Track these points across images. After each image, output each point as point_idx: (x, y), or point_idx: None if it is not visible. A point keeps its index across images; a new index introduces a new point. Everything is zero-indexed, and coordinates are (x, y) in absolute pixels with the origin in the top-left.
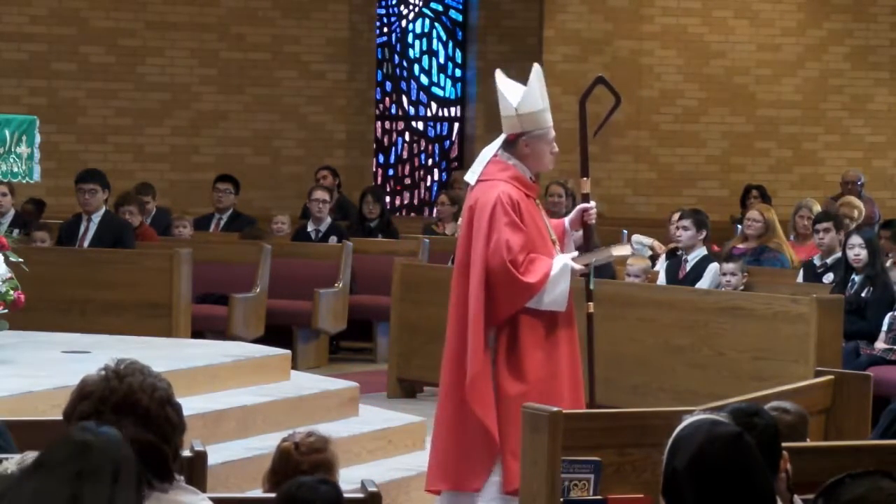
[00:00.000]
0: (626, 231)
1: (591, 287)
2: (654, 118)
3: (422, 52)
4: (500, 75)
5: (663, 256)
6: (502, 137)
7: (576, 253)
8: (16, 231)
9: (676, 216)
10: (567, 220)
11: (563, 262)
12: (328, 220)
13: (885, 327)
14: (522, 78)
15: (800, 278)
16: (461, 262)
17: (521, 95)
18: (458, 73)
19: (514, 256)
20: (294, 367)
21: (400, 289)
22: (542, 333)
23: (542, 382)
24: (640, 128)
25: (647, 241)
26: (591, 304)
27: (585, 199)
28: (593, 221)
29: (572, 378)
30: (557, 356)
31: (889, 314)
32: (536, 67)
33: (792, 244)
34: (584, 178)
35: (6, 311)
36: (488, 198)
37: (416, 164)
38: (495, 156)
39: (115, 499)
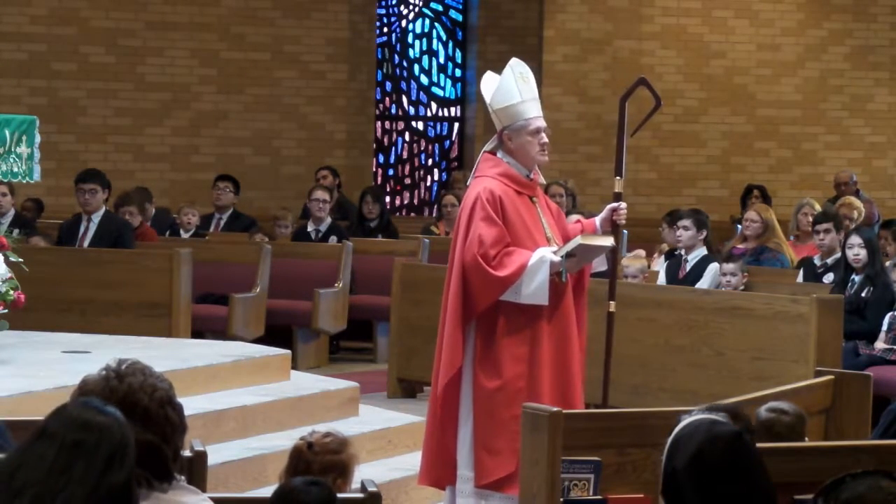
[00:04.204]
0: (625, 231)
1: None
2: (654, 118)
3: (422, 52)
4: (485, 77)
5: (662, 257)
6: (495, 136)
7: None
8: (16, 231)
9: (665, 223)
10: (598, 219)
11: (540, 255)
12: (328, 220)
13: (884, 327)
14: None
15: (800, 278)
16: (450, 262)
17: (493, 91)
18: (458, 73)
19: (485, 251)
20: (294, 367)
21: (400, 289)
22: (521, 329)
23: (520, 379)
24: (642, 128)
25: (642, 253)
26: (612, 303)
27: (617, 198)
28: (623, 221)
29: (559, 375)
30: (539, 352)
31: (889, 314)
32: (513, 61)
33: (792, 244)
34: (618, 178)
35: (6, 311)
36: (471, 196)
37: (416, 164)
38: (490, 153)
39: (103, 481)
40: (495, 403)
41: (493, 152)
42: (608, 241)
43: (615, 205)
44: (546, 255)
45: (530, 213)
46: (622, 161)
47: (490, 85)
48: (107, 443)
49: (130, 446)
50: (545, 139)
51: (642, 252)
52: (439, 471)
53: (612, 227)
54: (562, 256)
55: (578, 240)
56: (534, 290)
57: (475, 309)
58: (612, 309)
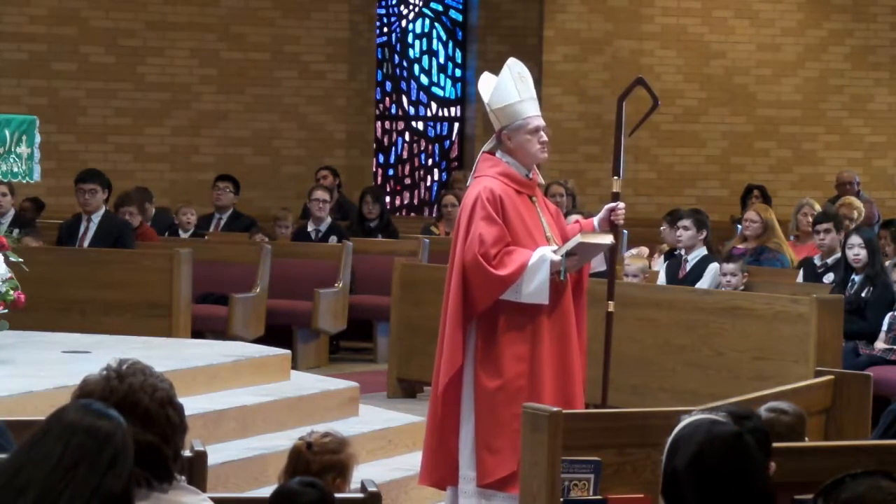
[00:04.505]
0: (626, 231)
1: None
2: (654, 118)
3: (422, 52)
4: (482, 78)
5: (661, 257)
6: (493, 136)
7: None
8: (16, 231)
9: (665, 223)
10: (596, 220)
11: (541, 254)
12: (328, 220)
13: (884, 327)
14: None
15: (800, 278)
16: (451, 261)
17: (491, 91)
18: (458, 73)
19: (485, 250)
20: (294, 367)
21: (400, 289)
22: (522, 328)
23: (521, 378)
24: (640, 128)
25: (645, 251)
26: (611, 302)
27: (615, 198)
28: (622, 222)
29: (560, 375)
30: (540, 351)
31: (889, 314)
32: (510, 61)
33: (792, 244)
34: (616, 178)
35: (6, 311)
36: (472, 195)
37: (416, 164)
38: (489, 153)
39: (104, 483)
40: (496, 403)
41: (491, 152)
42: (608, 239)
43: (613, 205)
44: (546, 254)
45: (530, 213)
46: (620, 161)
47: (488, 85)
48: (111, 447)
49: (131, 451)
50: (545, 138)
51: (645, 250)
52: (440, 471)
53: (611, 228)
54: (562, 255)
55: (578, 238)
56: (534, 289)
57: (476, 308)
58: (610, 309)
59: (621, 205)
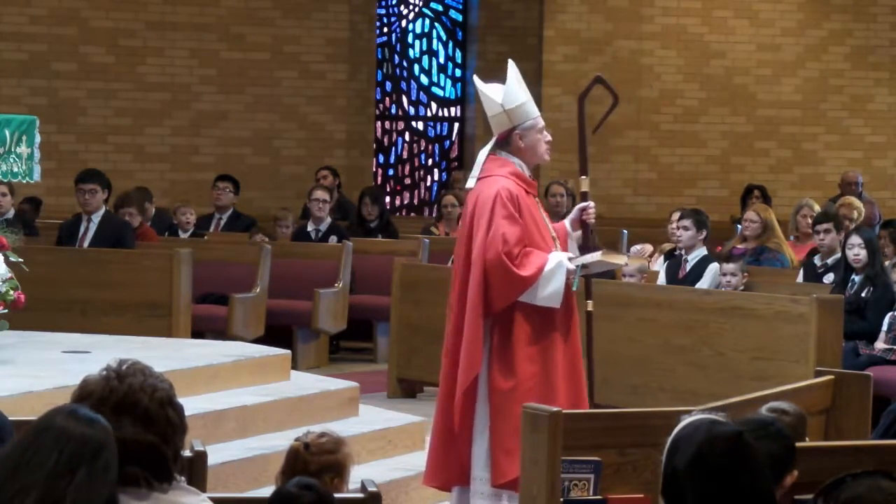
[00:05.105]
0: (625, 231)
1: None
2: (654, 118)
3: (422, 52)
4: (478, 81)
5: (661, 257)
6: (494, 139)
7: (572, 254)
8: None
9: (676, 216)
10: (567, 220)
11: (557, 259)
12: (328, 220)
13: (884, 327)
14: (524, 78)
15: (800, 278)
16: (460, 259)
17: (503, 91)
18: (458, 73)
19: (509, 248)
20: (294, 367)
21: (400, 289)
22: (536, 330)
23: (533, 378)
24: (640, 128)
25: (648, 249)
26: (590, 302)
27: (584, 197)
28: (592, 220)
29: (571, 376)
30: (553, 353)
31: (889, 314)
32: (511, 64)
33: (792, 244)
34: (583, 177)
35: (6, 311)
36: (489, 193)
37: (416, 164)
38: (492, 154)
39: (98, 489)
40: (510, 404)
41: (493, 153)
42: (622, 260)
43: (584, 204)
44: (563, 260)
45: (538, 213)
46: (586, 160)
47: (493, 87)
48: (104, 455)
49: (116, 457)
50: (549, 137)
51: (649, 247)
52: (448, 472)
53: (582, 227)
54: (577, 266)
55: (598, 256)
56: (549, 294)
57: (495, 307)
58: (589, 308)
59: (591, 204)
